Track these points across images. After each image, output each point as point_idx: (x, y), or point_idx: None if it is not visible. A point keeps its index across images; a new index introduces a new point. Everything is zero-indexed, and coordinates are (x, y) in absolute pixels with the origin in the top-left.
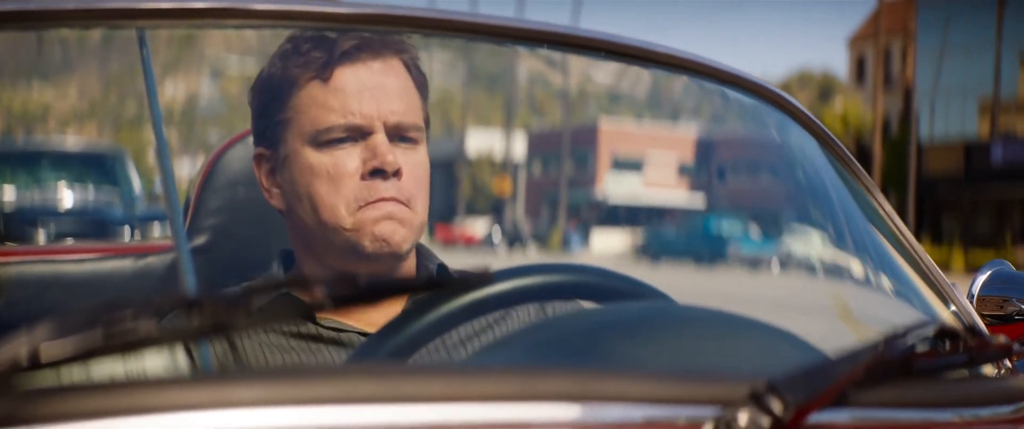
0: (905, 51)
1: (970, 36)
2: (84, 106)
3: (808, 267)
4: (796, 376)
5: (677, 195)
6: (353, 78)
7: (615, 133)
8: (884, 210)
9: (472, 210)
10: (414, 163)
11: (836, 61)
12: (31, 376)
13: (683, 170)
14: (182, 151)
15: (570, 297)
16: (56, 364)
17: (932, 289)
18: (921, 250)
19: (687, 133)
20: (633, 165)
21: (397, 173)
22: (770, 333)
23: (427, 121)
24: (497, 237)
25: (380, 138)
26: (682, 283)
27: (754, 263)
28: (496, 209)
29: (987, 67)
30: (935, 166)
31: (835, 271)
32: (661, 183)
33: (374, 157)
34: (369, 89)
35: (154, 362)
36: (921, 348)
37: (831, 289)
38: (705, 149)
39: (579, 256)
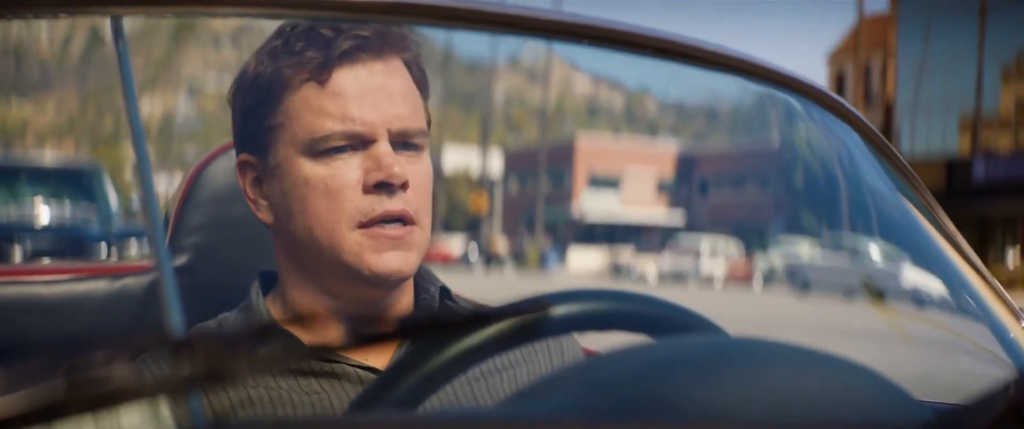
0: (885, 67)
1: (951, 51)
2: (61, 120)
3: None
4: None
5: (656, 212)
6: (352, 81)
7: (592, 150)
8: (939, 217)
9: (449, 227)
10: (419, 172)
11: (815, 77)
12: None
13: (663, 187)
14: (159, 166)
15: (612, 328)
16: (7, 425)
17: (1006, 309)
18: (985, 269)
19: (667, 148)
20: (610, 182)
21: (404, 185)
22: (851, 370)
23: (429, 123)
24: (474, 255)
25: (384, 147)
26: None
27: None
28: (472, 226)
29: (968, 83)
30: None
31: (899, 288)
32: (639, 201)
33: (378, 168)
34: (370, 93)
35: (132, 419)
36: None
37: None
38: (687, 164)
39: (556, 274)
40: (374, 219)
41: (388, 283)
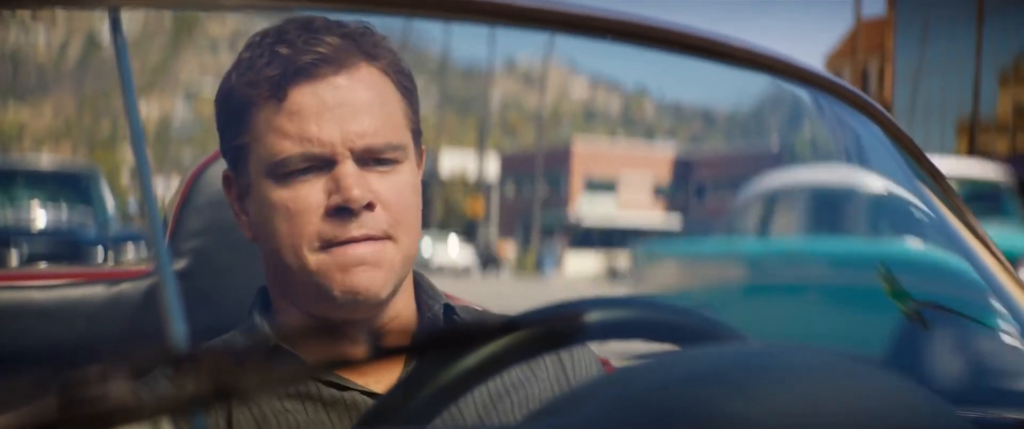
0: (882, 70)
1: (948, 55)
2: (58, 123)
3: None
4: None
5: (652, 216)
6: (311, 98)
7: (589, 154)
8: (966, 215)
9: (445, 231)
10: (393, 188)
11: None
12: None
13: (660, 190)
14: (157, 169)
15: (634, 337)
16: None
17: None
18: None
19: (664, 151)
20: (607, 186)
21: (369, 206)
22: (886, 378)
23: (416, 132)
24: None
25: (346, 168)
26: None
27: None
28: (469, 230)
29: (966, 87)
30: None
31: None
32: (636, 204)
33: (338, 191)
34: (330, 109)
35: None
36: None
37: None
38: (684, 168)
39: (553, 278)
40: (337, 244)
41: (359, 305)
